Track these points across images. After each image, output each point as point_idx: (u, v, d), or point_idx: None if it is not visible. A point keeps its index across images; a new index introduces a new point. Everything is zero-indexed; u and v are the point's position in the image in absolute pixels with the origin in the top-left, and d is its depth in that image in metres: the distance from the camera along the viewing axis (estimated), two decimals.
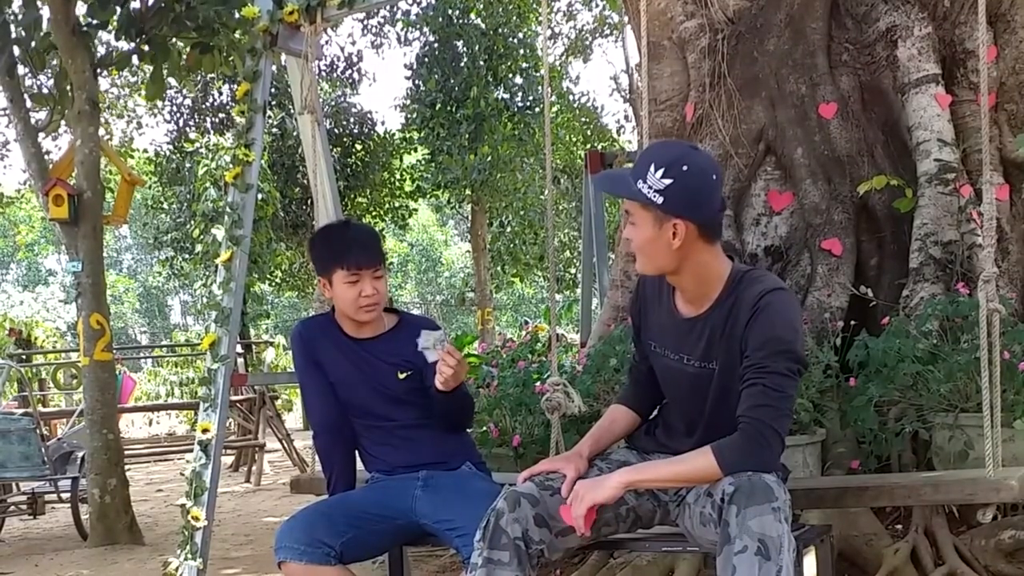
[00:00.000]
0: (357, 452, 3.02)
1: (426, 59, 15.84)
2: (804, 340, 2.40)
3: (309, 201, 15.08)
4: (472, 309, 23.16)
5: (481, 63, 15.62)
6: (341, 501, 2.87)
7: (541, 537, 2.36)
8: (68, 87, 6.46)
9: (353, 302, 2.86)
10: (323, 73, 16.30)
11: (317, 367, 2.93)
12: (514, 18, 15.98)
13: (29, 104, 7.11)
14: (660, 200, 2.25)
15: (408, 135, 17.22)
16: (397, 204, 18.10)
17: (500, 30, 15.78)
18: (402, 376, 2.90)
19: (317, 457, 3.07)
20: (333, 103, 16.69)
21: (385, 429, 2.93)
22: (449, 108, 15.68)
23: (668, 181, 2.24)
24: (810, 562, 2.61)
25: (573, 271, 17.26)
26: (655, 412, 2.72)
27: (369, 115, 17.33)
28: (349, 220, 3.51)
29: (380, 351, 2.93)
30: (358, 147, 17.14)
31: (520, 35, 16.20)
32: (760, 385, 2.23)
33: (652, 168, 2.26)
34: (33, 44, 6.58)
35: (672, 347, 2.48)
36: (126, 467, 6.52)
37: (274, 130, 15.54)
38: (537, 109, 15.90)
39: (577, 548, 2.59)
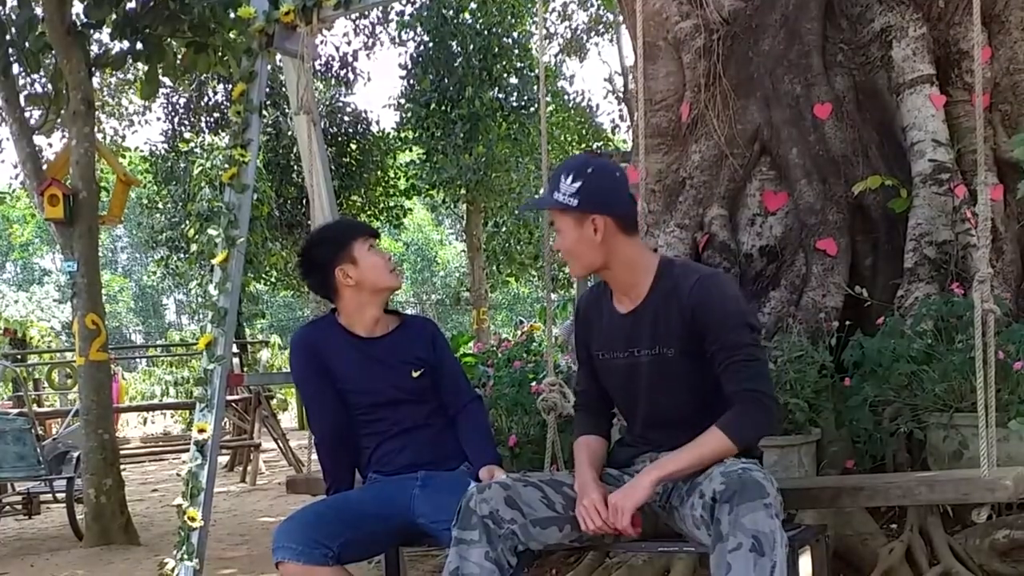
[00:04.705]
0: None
1: (420, 59, 15.83)
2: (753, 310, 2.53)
3: (304, 200, 15.09)
4: (467, 308, 23.18)
5: (475, 63, 15.61)
6: (339, 501, 2.86)
7: (512, 517, 2.40)
8: (63, 87, 6.45)
9: (385, 266, 2.95)
10: (318, 72, 16.28)
11: (322, 374, 2.92)
12: (508, 18, 15.98)
13: (24, 104, 7.09)
14: (575, 203, 2.47)
15: (403, 134, 17.21)
16: (392, 203, 18.11)
17: (494, 30, 15.78)
18: (416, 375, 2.92)
19: (318, 461, 3.06)
20: (328, 102, 16.67)
21: (388, 429, 2.93)
22: (444, 108, 15.68)
23: (578, 184, 2.47)
24: (805, 562, 2.62)
25: (567, 271, 17.19)
26: (618, 430, 2.83)
27: (364, 114, 17.31)
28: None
29: (392, 350, 2.94)
30: (353, 146, 17.13)
31: (515, 35, 16.19)
32: (740, 360, 2.39)
33: (563, 178, 2.49)
34: (28, 44, 6.56)
35: (622, 347, 2.57)
36: (121, 467, 6.51)
37: (269, 130, 15.52)
38: (532, 109, 15.90)
39: (568, 545, 2.60)
